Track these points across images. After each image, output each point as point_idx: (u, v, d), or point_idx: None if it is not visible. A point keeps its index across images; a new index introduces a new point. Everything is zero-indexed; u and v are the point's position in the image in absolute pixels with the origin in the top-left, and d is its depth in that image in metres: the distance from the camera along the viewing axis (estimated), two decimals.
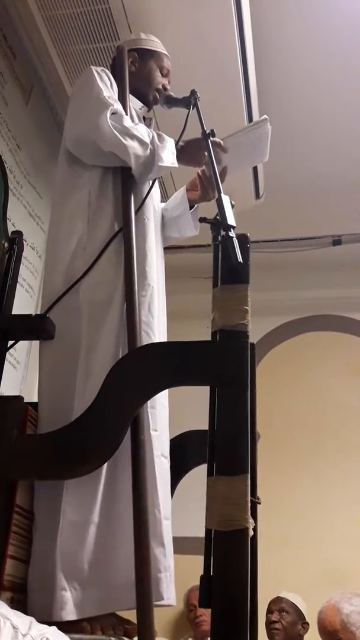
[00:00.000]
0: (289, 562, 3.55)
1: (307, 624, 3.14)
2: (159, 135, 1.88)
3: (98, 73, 1.92)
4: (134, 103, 2.04)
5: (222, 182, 1.69)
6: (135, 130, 1.81)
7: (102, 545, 1.52)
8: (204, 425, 1.34)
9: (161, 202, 2.15)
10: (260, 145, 2.15)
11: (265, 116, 2.14)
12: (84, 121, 1.83)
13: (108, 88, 1.90)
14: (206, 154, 1.80)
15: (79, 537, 1.50)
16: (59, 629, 1.14)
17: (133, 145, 1.78)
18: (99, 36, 2.59)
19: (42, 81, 2.94)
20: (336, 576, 3.52)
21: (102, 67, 1.99)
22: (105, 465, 1.54)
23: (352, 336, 4.29)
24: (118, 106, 1.85)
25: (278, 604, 3.18)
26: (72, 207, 1.82)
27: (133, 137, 1.79)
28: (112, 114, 1.79)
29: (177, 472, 1.86)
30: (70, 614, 1.43)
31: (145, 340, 1.68)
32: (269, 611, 3.16)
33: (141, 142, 1.80)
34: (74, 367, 1.63)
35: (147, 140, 1.82)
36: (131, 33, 2.35)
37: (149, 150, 1.81)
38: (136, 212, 1.81)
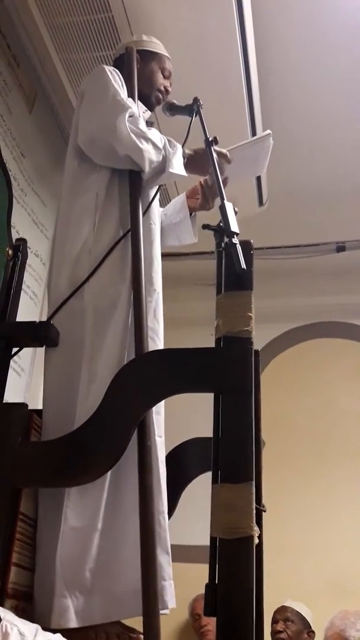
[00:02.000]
0: (295, 570, 3.53)
1: (313, 632, 3.12)
2: (169, 141, 1.88)
3: (111, 73, 1.92)
4: (139, 106, 2.05)
5: None
6: (150, 134, 1.81)
7: (106, 552, 1.51)
8: (207, 433, 1.34)
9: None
10: (260, 159, 2.17)
11: (268, 131, 2.15)
12: (100, 121, 1.82)
13: (122, 89, 1.90)
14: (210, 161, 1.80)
15: (81, 544, 1.49)
16: (64, 636, 1.14)
17: (148, 150, 1.78)
18: (102, 44, 2.60)
19: (45, 89, 2.95)
20: (342, 584, 3.50)
21: (113, 67, 1.99)
22: (109, 471, 1.54)
23: (357, 343, 4.28)
24: (135, 109, 1.85)
25: (283, 614, 3.16)
26: (79, 209, 1.82)
27: (148, 140, 1.79)
28: (130, 116, 1.79)
29: (181, 480, 1.85)
30: (70, 621, 1.42)
31: (150, 345, 1.68)
32: (274, 621, 3.14)
33: (155, 146, 1.81)
34: (77, 372, 1.63)
35: (161, 146, 1.83)
36: (132, 35, 2.36)
37: (161, 156, 1.82)
38: (142, 215, 1.81)
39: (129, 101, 1.87)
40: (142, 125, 1.82)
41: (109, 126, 1.78)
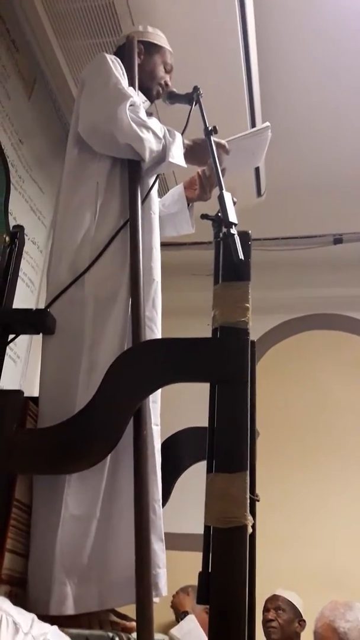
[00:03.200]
0: (287, 560, 3.55)
1: (304, 621, 3.14)
2: (169, 130, 1.87)
3: (112, 61, 1.91)
4: (139, 96, 2.03)
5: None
6: (151, 123, 1.80)
7: (104, 540, 1.51)
8: (202, 422, 1.34)
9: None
10: (258, 151, 2.17)
11: (267, 123, 2.15)
12: (101, 110, 1.82)
13: (123, 78, 1.89)
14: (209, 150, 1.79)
15: (81, 531, 1.50)
16: (57, 623, 1.14)
17: (149, 139, 1.78)
18: (102, 31, 2.58)
19: (44, 75, 2.93)
20: (333, 574, 3.53)
21: (115, 56, 1.98)
22: (108, 459, 1.54)
23: (352, 335, 4.29)
24: (136, 98, 1.84)
25: (274, 602, 3.18)
26: (79, 199, 1.81)
27: (149, 129, 1.78)
28: (131, 105, 1.78)
29: (176, 469, 1.86)
30: (69, 608, 1.43)
31: (149, 335, 1.68)
32: (266, 609, 3.16)
33: (156, 135, 1.80)
34: (77, 361, 1.62)
35: (161, 135, 1.82)
36: (134, 26, 2.34)
37: (161, 145, 1.81)
38: (142, 203, 1.80)
39: (130, 90, 1.86)
40: (143, 114, 1.81)
41: (109, 114, 1.77)
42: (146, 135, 1.77)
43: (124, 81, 1.88)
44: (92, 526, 1.51)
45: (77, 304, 1.68)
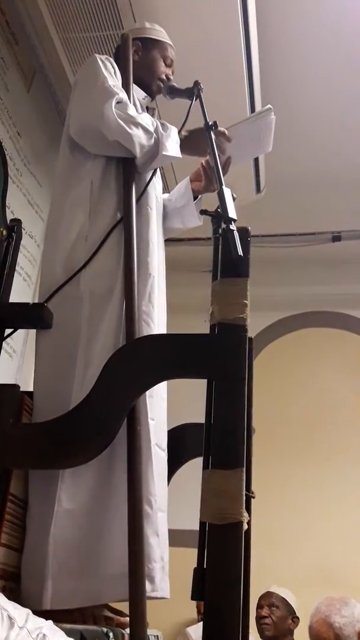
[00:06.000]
0: (280, 557, 3.56)
1: (297, 618, 3.15)
2: (162, 124, 1.86)
3: (102, 61, 1.90)
4: (137, 93, 2.03)
5: (226, 172, 1.67)
6: (140, 119, 1.79)
7: (98, 535, 1.51)
8: (202, 418, 1.34)
9: (163, 193, 2.13)
10: (264, 135, 2.13)
11: (269, 106, 2.11)
12: (88, 110, 1.81)
13: (112, 76, 1.88)
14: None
15: (74, 526, 1.49)
16: (50, 618, 1.14)
17: (138, 134, 1.77)
18: (102, 24, 2.56)
19: (44, 68, 2.91)
20: (327, 571, 3.53)
21: (107, 56, 1.98)
22: (103, 454, 1.54)
23: (349, 333, 4.29)
24: (123, 95, 1.83)
25: (268, 599, 3.18)
26: (73, 197, 1.80)
27: (138, 125, 1.78)
28: (117, 102, 1.78)
29: (173, 464, 1.85)
30: (62, 603, 1.43)
31: (145, 330, 1.67)
32: (259, 606, 3.17)
33: (146, 130, 1.79)
34: (73, 356, 1.62)
35: (152, 129, 1.81)
36: (135, 22, 2.33)
37: (153, 139, 1.80)
38: (137, 200, 1.79)
39: (118, 88, 1.85)
40: (131, 111, 1.79)
41: (96, 113, 1.76)
42: (135, 131, 1.76)
43: (113, 80, 1.87)
44: (87, 521, 1.51)
45: (72, 300, 1.67)
